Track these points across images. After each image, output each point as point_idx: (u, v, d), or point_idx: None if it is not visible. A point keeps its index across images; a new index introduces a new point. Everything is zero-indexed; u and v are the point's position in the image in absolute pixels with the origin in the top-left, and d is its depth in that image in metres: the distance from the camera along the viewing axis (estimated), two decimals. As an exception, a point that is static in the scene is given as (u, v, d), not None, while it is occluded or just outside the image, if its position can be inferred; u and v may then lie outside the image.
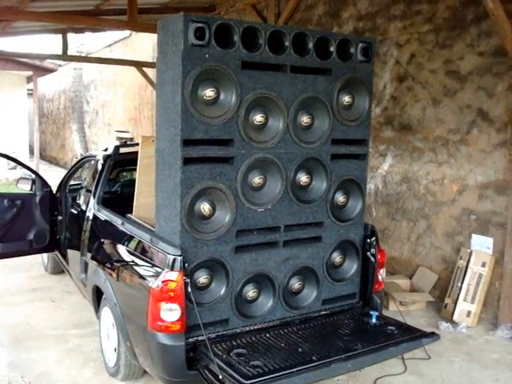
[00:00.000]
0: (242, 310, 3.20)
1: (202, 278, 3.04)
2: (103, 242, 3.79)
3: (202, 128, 2.88)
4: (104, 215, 3.99)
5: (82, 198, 4.74)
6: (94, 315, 4.09)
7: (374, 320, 3.36)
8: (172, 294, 2.83)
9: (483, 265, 4.83)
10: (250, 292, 3.24)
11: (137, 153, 4.68)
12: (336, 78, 3.33)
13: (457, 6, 5.07)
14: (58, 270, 5.94)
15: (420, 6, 5.47)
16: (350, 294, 3.68)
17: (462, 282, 4.89)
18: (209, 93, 2.89)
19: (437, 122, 5.36)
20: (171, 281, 2.83)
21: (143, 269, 3.08)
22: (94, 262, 3.87)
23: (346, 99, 3.41)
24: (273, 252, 3.27)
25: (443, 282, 5.31)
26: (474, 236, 5.02)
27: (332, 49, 3.28)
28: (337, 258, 3.59)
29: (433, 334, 3.20)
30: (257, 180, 3.14)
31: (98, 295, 3.85)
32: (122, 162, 4.68)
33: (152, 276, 2.94)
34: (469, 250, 4.97)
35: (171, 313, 2.84)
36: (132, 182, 5.39)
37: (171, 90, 2.87)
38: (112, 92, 15.22)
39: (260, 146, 3.10)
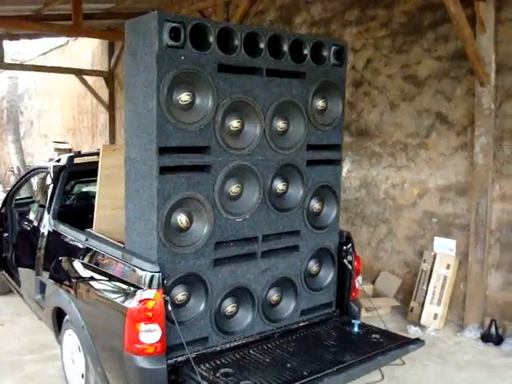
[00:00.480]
0: (221, 326, 3.03)
1: (180, 294, 2.85)
2: (63, 261, 3.51)
3: (178, 135, 2.71)
4: (62, 231, 3.71)
5: (34, 213, 4.40)
6: (49, 338, 3.80)
7: (356, 329, 3.28)
8: (151, 314, 2.62)
9: (447, 267, 4.88)
10: (229, 307, 3.07)
11: (92, 163, 4.45)
12: (310, 82, 3.24)
13: (413, 12, 5.13)
14: (4, 290, 5.52)
15: (375, 12, 5.52)
16: (327, 303, 3.59)
17: (428, 285, 4.92)
18: (184, 97, 2.72)
19: (395, 126, 5.40)
20: (150, 300, 2.62)
21: (115, 288, 2.85)
22: (54, 281, 3.58)
23: (320, 103, 3.32)
24: (251, 264, 3.13)
25: (407, 286, 5.33)
26: (436, 239, 5.07)
27: (306, 52, 3.19)
28: (313, 266, 3.48)
29: (418, 340, 3.15)
30: (234, 189, 2.99)
31: (58, 317, 3.57)
32: (76, 173, 4.39)
33: (127, 295, 2.72)
34: (432, 253, 5.01)
35: (151, 334, 2.63)
36: (87, 195, 5.12)
37: (143, 94, 2.68)
38: (48, 101, 14.58)
39: (237, 153, 2.95)
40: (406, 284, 5.35)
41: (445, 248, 5.00)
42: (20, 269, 4.57)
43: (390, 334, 3.25)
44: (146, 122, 2.68)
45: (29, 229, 4.40)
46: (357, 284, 3.59)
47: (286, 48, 3.07)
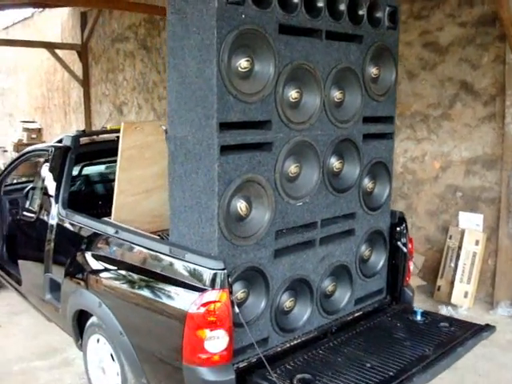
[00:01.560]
0: (281, 323, 2.70)
1: (240, 292, 2.50)
2: (86, 257, 3.08)
3: (239, 108, 2.31)
4: (81, 222, 3.26)
5: (35, 201, 3.91)
6: (56, 340, 3.49)
7: (419, 317, 3.00)
8: (216, 319, 2.26)
9: (476, 243, 4.67)
10: (288, 301, 2.74)
11: (100, 143, 3.99)
12: (367, 47, 2.88)
13: (435, -27, 4.80)
14: (-5, 286, 5.02)
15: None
16: (379, 290, 3.30)
17: (457, 263, 4.71)
18: (244, 63, 2.32)
19: (414, 96, 5.10)
20: (214, 302, 2.25)
21: (166, 289, 2.46)
22: (73, 280, 3.15)
23: (374, 71, 2.97)
24: (310, 252, 2.79)
25: (429, 263, 5.12)
26: (461, 213, 4.85)
27: (362, 12, 2.82)
28: (366, 250, 3.18)
29: (489, 326, 2.90)
30: (293, 169, 2.63)
31: (79, 321, 3.15)
32: (84, 155, 3.91)
33: (184, 297, 2.34)
34: (459, 229, 4.79)
35: (217, 341, 2.27)
36: (99, 179, 4.65)
37: (197, 60, 2.26)
38: (12, 79, 13.67)
39: (297, 128, 2.58)
40: (428, 261, 5.13)
41: (471, 223, 4.79)
42: (20, 264, 4.09)
43: (460, 322, 2.99)
44: (201, 93, 2.27)
45: (29, 219, 3.92)
46: (411, 267, 3.31)
47: (343, 7, 2.69)
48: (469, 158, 4.76)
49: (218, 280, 2.25)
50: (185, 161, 2.41)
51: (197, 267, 2.32)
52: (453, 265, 4.74)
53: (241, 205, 2.42)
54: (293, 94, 2.55)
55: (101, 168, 4.65)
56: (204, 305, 2.25)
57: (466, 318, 4.28)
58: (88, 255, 3.06)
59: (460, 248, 4.72)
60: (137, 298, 2.60)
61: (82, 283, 3.04)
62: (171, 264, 2.47)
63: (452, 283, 4.68)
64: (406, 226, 3.30)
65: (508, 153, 4.39)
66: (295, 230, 2.72)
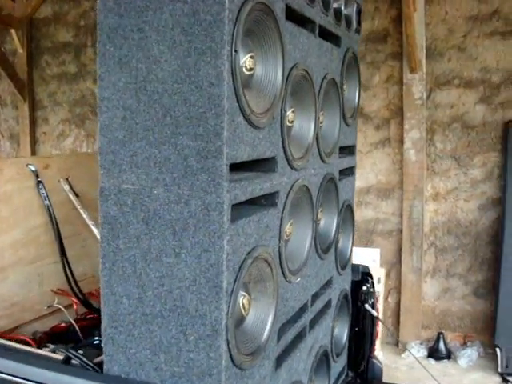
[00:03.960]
0: None
1: None
2: None
3: (249, 137, 1.35)
4: None
5: None
6: None
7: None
8: None
9: (378, 281, 4.25)
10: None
11: None
12: (343, 53, 2.15)
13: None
14: None
15: None
16: (342, 368, 2.55)
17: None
18: (248, 62, 1.36)
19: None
20: None
21: None
22: None
23: (345, 86, 2.25)
24: (301, 345, 1.90)
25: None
26: (355, 249, 4.39)
27: (339, 4, 2.07)
28: (336, 322, 2.41)
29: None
30: (288, 228, 1.73)
31: None
32: None
33: None
34: (358, 267, 4.32)
35: None
36: None
37: (182, 50, 1.23)
38: None
39: (297, 166, 1.70)
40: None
41: (367, 259, 4.36)
42: None
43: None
44: (187, 110, 1.24)
45: None
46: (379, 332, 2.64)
47: (329, -6, 1.91)
48: (360, 187, 4.35)
49: None
50: (144, 235, 1.34)
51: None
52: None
53: (243, 299, 1.44)
54: (290, 114, 1.66)
55: None
56: None
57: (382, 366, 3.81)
58: None
59: (362, 288, 4.24)
60: None
61: None
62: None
63: (358, 329, 4.17)
64: (373, 282, 2.63)
65: (408, 181, 4.07)
66: (291, 319, 1.81)
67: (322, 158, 1.93)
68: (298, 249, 1.81)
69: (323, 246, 2.05)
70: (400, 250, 4.23)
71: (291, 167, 1.63)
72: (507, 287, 3.67)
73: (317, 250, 1.96)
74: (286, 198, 1.60)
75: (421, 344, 4.13)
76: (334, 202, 2.14)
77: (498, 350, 3.69)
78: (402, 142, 4.09)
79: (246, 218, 1.35)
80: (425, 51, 3.92)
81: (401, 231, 4.20)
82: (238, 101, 1.25)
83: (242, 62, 1.32)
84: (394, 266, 4.29)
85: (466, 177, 4.00)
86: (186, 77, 1.23)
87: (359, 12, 2.32)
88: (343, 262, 2.40)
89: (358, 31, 2.35)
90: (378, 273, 4.27)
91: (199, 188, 1.26)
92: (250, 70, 1.37)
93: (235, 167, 1.33)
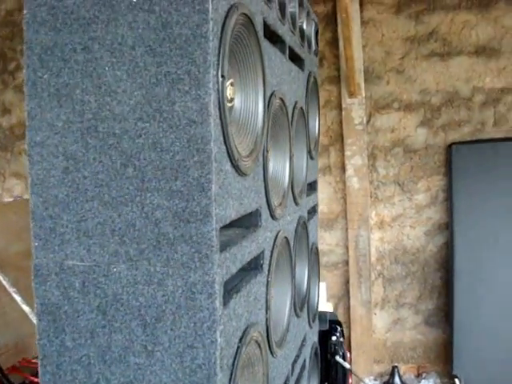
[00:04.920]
0: None
1: None
2: None
3: (237, 189, 1.03)
4: None
5: None
6: None
7: None
8: None
9: (327, 316, 4.01)
10: None
11: None
12: (306, 78, 1.90)
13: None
14: None
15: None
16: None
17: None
18: (229, 90, 1.06)
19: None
20: None
21: None
22: None
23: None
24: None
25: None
26: (301, 284, 4.15)
27: (300, 23, 1.82)
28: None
29: None
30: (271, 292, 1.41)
31: None
32: None
33: None
34: (306, 303, 4.07)
35: None
36: None
37: (149, 74, 0.90)
38: None
39: (277, 215, 1.39)
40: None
41: (314, 293, 4.12)
42: None
43: None
44: (162, 159, 0.91)
45: None
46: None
47: (294, 8, 1.65)
48: (302, 218, 4.12)
49: None
50: (100, 328, 0.97)
51: None
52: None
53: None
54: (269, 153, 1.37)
55: None
56: None
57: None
58: None
59: (311, 326, 3.99)
60: None
61: None
62: None
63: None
64: (342, 331, 2.36)
65: (353, 210, 3.90)
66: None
67: (295, 200, 1.65)
68: (278, 313, 1.50)
69: (298, 301, 1.75)
70: (347, 282, 4.03)
71: (273, 218, 1.33)
72: (460, 314, 3.56)
73: (295, 309, 1.66)
74: (271, 257, 1.30)
75: (375, 380, 3.93)
76: (304, 248, 1.87)
77: (456, 380, 3.55)
78: (343, 169, 3.93)
79: (237, 294, 1.03)
80: (363, 74, 3.80)
81: (347, 262, 4.00)
82: (225, 143, 0.94)
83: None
84: (342, 299, 4.08)
85: (411, 202, 3.90)
86: (155, 112, 0.90)
87: (317, 32, 2.09)
88: (313, 313, 2.11)
89: (316, 53, 2.11)
90: (324, 308, 4.05)
91: (178, 263, 0.92)
92: (231, 100, 1.07)
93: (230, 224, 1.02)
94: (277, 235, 1.36)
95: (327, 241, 4.09)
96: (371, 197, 3.95)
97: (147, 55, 0.90)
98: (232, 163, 0.98)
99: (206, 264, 0.91)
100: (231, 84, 1.07)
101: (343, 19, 3.34)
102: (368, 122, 3.89)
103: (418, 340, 3.96)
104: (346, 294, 4.06)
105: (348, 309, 4.03)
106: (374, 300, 4.01)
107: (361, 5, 3.77)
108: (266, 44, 1.25)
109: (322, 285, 4.08)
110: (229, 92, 1.05)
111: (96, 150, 0.94)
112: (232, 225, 1.16)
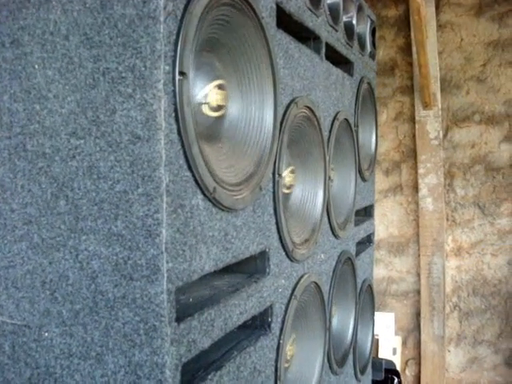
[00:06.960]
0: None
1: None
2: None
3: (215, 228, 0.76)
4: None
5: None
6: None
7: None
8: None
9: (394, 352, 3.61)
10: None
11: None
12: (357, 84, 1.59)
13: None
14: None
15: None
16: None
17: None
18: (213, 95, 0.78)
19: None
20: None
21: None
22: None
23: (360, 129, 1.69)
24: None
25: None
26: (365, 313, 3.77)
27: (348, 18, 1.52)
28: None
29: None
30: (289, 350, 1.12)
31: None
32: None
33: None
34: (370, 335, 3.69)
35: None
36: None
37: (81, 81, 0.66)
38: None
39: (300, 257, 1.10)
40: None
41: (380, 325, 3.73)
42: None
43: None
44: (99, 189, 0.66)
45: None
46: None
47: (340, 2, 1.36)
48: (369, 241, 3.75)
49: None
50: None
51: None
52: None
53: None
54: (287, 177, 1.08)
55: None
56: None
57: None
58: None
59: (376, 361, 3.60)
60: None
61: None
62: None
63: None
64: (400, 382, 2.00)
65: (425, 233, 3.48)
66: None
67: (334, 233, 1.34)
68: (301, 374, 1.20)
69: (337, 356, 1.44)
70: (418, 314, 3.60)
71: (292, 260, 1.04)
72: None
73: (330, 366, 1.35)
74: (285, 312, 1.01)
75: (447, 427, 3.47)
76: (350, 289, 1.55)
77: None
78: (416, 188, 3.53)
79: (215, 373, 0.75)
80: (439, 83, 3.40)
81: (418, 292, 3.58)
82: (189, 167, 0.67)
83: (199, 95, 0.75)
84: (412, 332, 3.66)
85: (493, 227, 3.42)
86: (91, 125, 0.65)
87: (374, 31, 1.77)
88: (363, 364, 1.78)
89: (372, 56, 1.80)
90: (392, 342, 3.65)
91: (120, 334, 0.66)
92: (218, 108, 0.79)
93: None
94: (298, 282, 1.07)
95: (397, 267, 3.69)
96: (447, 220, 3.51)
97: (83, 46, 0.65)
98: (204, 194, 0.70)
99: (155, 339, 0.64)
100: (218, 87, 0.80)
101: (416, 22, 2.97)
102: (445, 136, 3.47)
103: (496, 382, 3.46)
104: (416, 328, 3.64)
105: (418, 344, 3.61)
106: (447, 335, 3.56)
107: (437, 7, 3.38)
108: (281, 35, 0.97)
109: (391, 316, 3.70)
110: (212, 97, 0.78)
111: (24, 175, 0.71)
112: (232, 269, 0.90)
